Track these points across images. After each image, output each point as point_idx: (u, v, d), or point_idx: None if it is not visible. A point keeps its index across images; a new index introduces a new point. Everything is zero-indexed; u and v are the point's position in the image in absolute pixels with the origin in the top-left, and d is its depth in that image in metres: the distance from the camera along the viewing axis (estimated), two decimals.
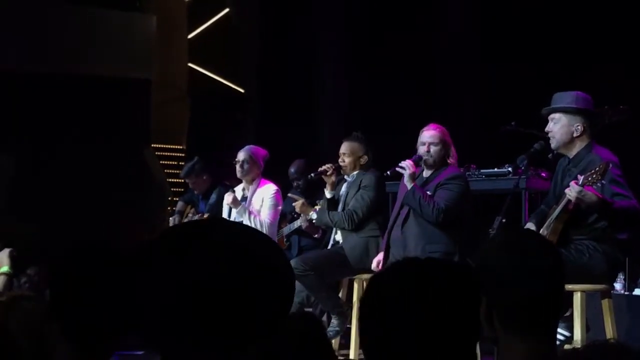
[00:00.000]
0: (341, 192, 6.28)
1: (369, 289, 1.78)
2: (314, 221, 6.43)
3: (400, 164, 5.58)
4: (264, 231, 6.49)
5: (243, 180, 6.82)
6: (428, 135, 5.63)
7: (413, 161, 5.59)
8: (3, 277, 4.14)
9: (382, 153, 6.43)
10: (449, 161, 5.65)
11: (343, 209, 6.16)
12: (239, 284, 1.47)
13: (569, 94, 4.93)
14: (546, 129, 4.95)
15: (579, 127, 4.85)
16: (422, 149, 5.62)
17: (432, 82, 8.85)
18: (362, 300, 1.78)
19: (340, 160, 6.24)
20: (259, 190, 6.70)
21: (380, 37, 9.36)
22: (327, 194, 6.29)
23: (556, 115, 4.90)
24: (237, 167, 6.72)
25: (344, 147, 6.25)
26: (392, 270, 1.79)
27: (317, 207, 6.43)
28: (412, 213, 5.56)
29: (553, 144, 4.93)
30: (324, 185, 6.39)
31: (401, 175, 5.69)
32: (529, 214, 6.01)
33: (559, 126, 4.89)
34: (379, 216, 6.10)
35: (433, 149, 5.60)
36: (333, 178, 6.26)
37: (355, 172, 6.22)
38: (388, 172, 5.73)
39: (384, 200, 6.34)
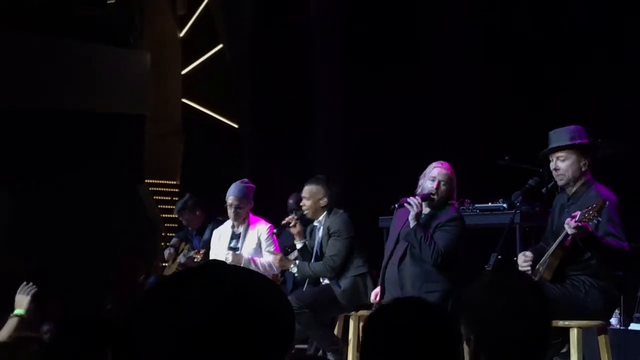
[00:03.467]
0: (315, 240, 6.28)
1: (365, 332, 2.07)
2: (296, 275, 6.40)
3: (408, 200, 5.43)
4: (275, 270, 6.51)
5: None
6: (440, 172, 5.51)
7: (422, 199, 5.47)
8: (16, 319, 4.06)
9: (377, 184, 6.44)
10: (450, 202, 5.60)
11: (321, 257, 6.15)
12: (236, 328, 1.47)
13: (570, 130, 4.88)
14: (553, 168, 4.87)
15: (586, 163, 4.83)
16: (429, 185, 5.50)
17: (427, 116, 8.88)
18: (361, 345, 2.05)
19: (302, 203, 6.27)
20: (251, 231, 6.65)
21: (377, 70, 9.40)
22: (297, 244, 6.29)
23: (563, 154, 4.84)
24: (231, 212, 6.61)
25: (304, 191, 6.29)
26: (380, 314, 2.09)
27: (296, 260, 6.40)
28: (409, 252, 5.49)
29: (562, 181, 4.84)
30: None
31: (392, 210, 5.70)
32: (522, 249, 6.01)
33: (568, 163, 4.82)
34: (361, 252, 6.09)
35: (443, 187, 5.49)
36: (298, 228, 6.27)
37: (321, 217, 6.23)
38: (395, 205, 5.57)
39: (368, 237, 6.28)
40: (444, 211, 5.53)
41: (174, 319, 1.47)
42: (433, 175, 5.51)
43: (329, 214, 6.21)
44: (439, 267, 5.38)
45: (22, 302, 4.14)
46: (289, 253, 7.20)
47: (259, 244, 6.58)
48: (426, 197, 5.49)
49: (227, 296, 1.49)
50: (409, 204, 5.41)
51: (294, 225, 6.25)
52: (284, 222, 6.32)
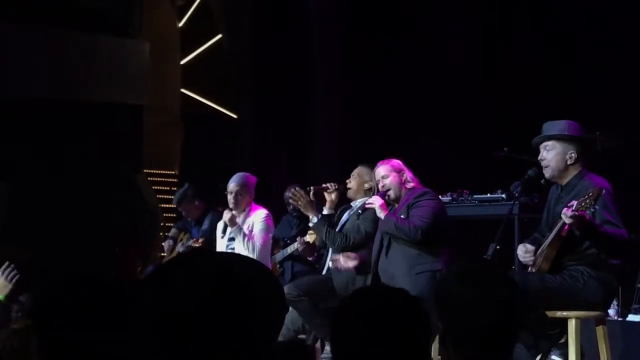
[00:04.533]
0: (343, 219, 6.27)
1: (333, 318, 2.08)
2: (310, 225, 6.34)
3: (368, 201, 5.69)
4: (255, 254, 6.46)
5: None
6: (377, 172, 5.75)
7: (380, 195, 5.66)
8: None
9: None
10: (408, 187, 5.68)
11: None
12: (224, 312, 1.47)
13: (561, 122, 4.94)
14: (539, 158, 4.93)
15: (573, 155, 4.85)
16: (379, 188, 5.74)
17: (425, 109, 8.88)
18: (331, 329, 2.08)
19: (348, 180, 6.26)
20: (248, 219, 6.66)
21: (376, 64, 9.40)
22: (325, 210, 6.26)
23: (549, 143, 4.89)
24: (229, 198, 6.64)
25: (356, 170, 6.28)
26: (349, 303, 2.09)
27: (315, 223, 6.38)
28: (392, 239, 5.58)
29: (547, 173, 4.91)
30: (320, 205, 6.37)
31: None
32: (521, 240, 6.02)
33: (552, 154, 4.87)
34: (368, 249, 6.08)
35: (385, 181, 5.68)
36: (333, 196, 6.26)
37: (359, 200, 6.22)
38: (360, 211, 5.79)
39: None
40: (407, 194, 5.65)
41: (160, 306, 1.47)
42: (376, 179, 5.77)
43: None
44: (423, 245, 5.43)
45: (3, 289, 4.11)
46: (288, 245, 7.21)
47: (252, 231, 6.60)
48: (383, 195, 5.67)
49: (214, 283, 1.49)
50: (370, 203, 5.65)
51: (332, 192, 6.24)
52: (324, 185, 6.28)
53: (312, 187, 6.35)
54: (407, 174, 5.71)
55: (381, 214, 5.58)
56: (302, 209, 6.34)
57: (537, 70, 8.43)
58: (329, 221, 6.21)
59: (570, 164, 4.85)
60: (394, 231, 5.50)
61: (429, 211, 5.52)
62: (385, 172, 5.69)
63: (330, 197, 6.25)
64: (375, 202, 5.61)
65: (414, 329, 2.00)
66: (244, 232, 6.50)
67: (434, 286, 2.40)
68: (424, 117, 8.81)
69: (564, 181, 4.88)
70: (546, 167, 4.89)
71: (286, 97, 10.41)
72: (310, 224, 6.31)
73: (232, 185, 6.65)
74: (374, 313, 2.00)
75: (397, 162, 5.74)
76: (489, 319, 2.19)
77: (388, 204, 5.69)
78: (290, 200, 6.55)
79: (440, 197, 6.02)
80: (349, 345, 2.01)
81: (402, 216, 5.55)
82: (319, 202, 6.45)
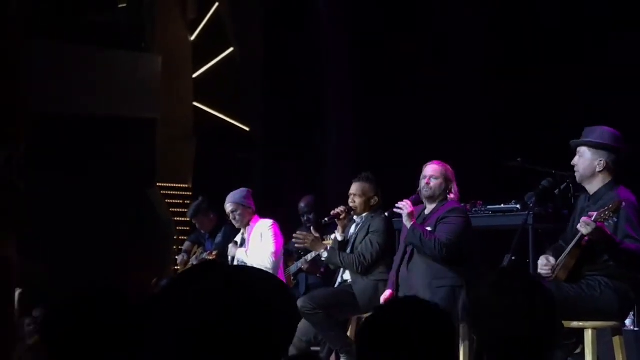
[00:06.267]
0: (350, 234, 6.26)
1: (361, 331, 2.04)
2: (323, 259, 6.38)
3: (397, 205, 5.61)
4: (268, 261, 6.49)
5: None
6: (430, 169, 5.67)
7: (411, 201, 5.61)
8: None
9: (388, 187, 6.44)
10: (449, 196, 5.65)
11: (352, 251, 6.14)
12: (236, 326, 1.47)
13: (597, 129, 4.93)
14: (572, 162, 4.95)
15: (602, 163, 4.84)
16: (422, 182, 5.66)
17: (438, 117, 8.87)
18: (356, 342, 2.05)
19: (350, 200, 6.22)
20: (255, 228, 6.71)
21: (387, 73, 9.41)
22: (339, 236, 6.25)
23: (582, 149, 4.90)
24: (231, 219, 6.77)
25: (355, 188, 6.23)
26: (379, 315, 2.05)
27: (328, 245, 6.39)
28: (416, 250, 5.56)
29: (577, 177, 4.94)
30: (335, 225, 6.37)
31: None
32: (535, 251, 6.00)
33: (582, 160, 4.89)
34: (387, 259, 6.07)
35: (433, 182, 5.63)
36: (346, 221, 6.26)
37: (364, 214, 6.21)
38: (386, 214, 5.77)
39: (392, 240, 6.31)
40: (442, 205, 5.62)
41: (173, 320, 1.47)
42: (424, 174, 5.68)
43: (373, 212, 6.20)
44: (446, 262, 5.41)
45: None
46: (301, 257, 7.22)
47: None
48: (416, 200, 5.63)
49: (227, 295, 1.49)
50: (399, 208, 5.56)
51: (344, 218, 6.24)
52: (334, 212, 6.26)
53: (326, 219, 6.36)
54: (454, 187, 5.68)
55: (408, 223, 5.52)
56: (311, 249, 6.43)
57: (548, 78, 8.42)
58: (343, 246, 6.21)
59: (599, 171, 4.84)
60: (419, 244, 5.47)
61: (456, 229, 5.49)
62: (437, 174, 5.63)
63: (342, 222, 6.25)
64: (405, 208, 5.54)
65: (441, 341, 1.97)
66: (245, 251, 6.60)
67: (468, 298, 2.38)
68: (437, 128, 8.80)
69: (593, 189, 4.87)
70: (576, 170, 4.92)
71: (298, 109, 10.43)
72: (323, 259, 6.34)
73: (227, 207, 6.77)
74: (401, 325, 1.98)
75: (451, 171, 5.70)
76: (525, 331, 2.18)
77: (418, 201, 5.66)
78: (297, 245, 6.64)
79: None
80: (376, 357, 1.98)
81: (428, 228, 5.53)
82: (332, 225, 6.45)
